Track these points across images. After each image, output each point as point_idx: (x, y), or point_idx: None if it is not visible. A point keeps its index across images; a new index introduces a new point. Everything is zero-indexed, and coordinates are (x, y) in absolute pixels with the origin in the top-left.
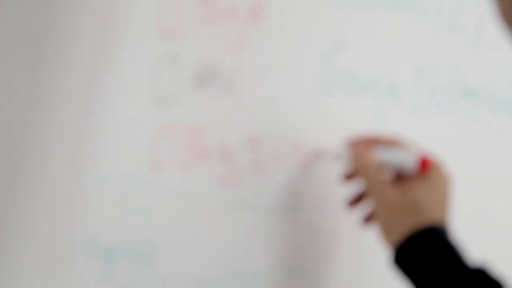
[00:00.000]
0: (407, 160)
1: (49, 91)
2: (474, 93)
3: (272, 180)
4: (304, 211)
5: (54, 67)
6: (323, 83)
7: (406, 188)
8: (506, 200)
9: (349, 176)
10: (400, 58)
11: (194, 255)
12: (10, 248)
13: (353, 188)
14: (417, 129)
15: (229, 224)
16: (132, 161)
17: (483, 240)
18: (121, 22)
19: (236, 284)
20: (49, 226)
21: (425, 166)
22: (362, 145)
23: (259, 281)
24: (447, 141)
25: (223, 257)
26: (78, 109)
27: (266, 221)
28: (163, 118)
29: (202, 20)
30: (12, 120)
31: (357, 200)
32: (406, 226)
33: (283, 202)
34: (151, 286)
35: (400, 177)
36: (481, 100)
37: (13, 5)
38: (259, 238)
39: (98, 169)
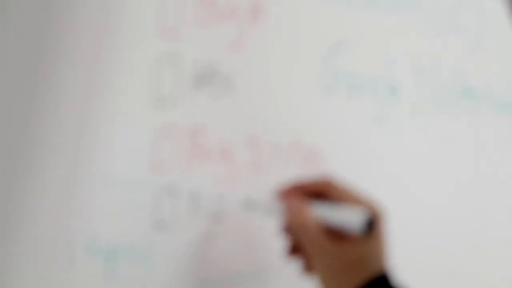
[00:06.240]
0: (352, 221)
1: (49, 91)
2: (474, 93)
3: (272, 180)
4: None
5: (54, 68)
6: (323, 83)
7: (349, 245)
8: (506, 200)
9: (287, 230)
10: (400, 58)
11: (195, 255)
12: (10, 248)
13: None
14: (417, 129)
15: (229, 224)
16: (132, 161)
17: (483, 240)
18: (121, 22)
19: (237, 284)
20: (49, 226)
21: (372, 227)
22: (296, 198)
23: (259, 281)
24: (447, 141)
25: (224, 257)
26: (78, 109)
27: (266, 221)
28: (163, 118)
29: (202, 20)
30: (12, 120)
31: (294, 250)
32: (354, 281)
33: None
34: (151, 286)
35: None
36: (481, 100)
37: (13, 5)
38: (259, 238)
39: (98, 169)
